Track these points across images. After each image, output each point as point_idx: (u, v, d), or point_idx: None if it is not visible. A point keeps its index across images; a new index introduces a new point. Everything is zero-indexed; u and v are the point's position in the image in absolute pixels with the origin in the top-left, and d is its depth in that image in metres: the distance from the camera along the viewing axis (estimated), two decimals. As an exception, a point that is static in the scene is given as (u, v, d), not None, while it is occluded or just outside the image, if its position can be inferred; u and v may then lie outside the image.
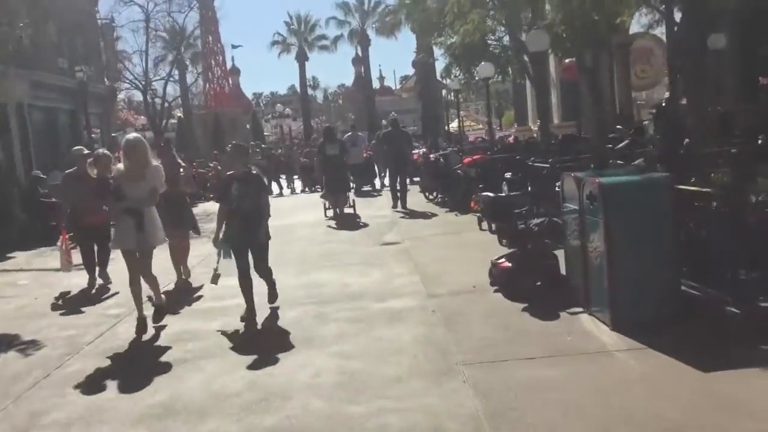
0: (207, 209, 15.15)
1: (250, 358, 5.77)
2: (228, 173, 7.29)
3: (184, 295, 8.43)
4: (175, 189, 8.56)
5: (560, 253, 6.98)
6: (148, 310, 7.05)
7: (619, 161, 8.67)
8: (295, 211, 16.59)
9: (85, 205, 8.85)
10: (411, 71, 54.58)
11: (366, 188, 20.95)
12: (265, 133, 56.62)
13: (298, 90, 60.29)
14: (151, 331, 6.83)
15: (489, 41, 19.58)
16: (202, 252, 9.68)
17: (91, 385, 5.56)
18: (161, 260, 8.89)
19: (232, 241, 6.94)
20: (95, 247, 9.27)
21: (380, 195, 19.41)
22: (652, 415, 4.13)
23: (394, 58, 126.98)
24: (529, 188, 10.30)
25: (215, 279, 7.12)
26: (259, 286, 7.23)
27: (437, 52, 26.49)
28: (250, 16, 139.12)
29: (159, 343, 6.56)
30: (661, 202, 5.68)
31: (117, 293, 8.74)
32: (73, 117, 24.59)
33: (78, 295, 9.05)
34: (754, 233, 5.61)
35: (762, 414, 4.08)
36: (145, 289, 7.10)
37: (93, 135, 24.41)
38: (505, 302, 6.76)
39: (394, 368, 5.26)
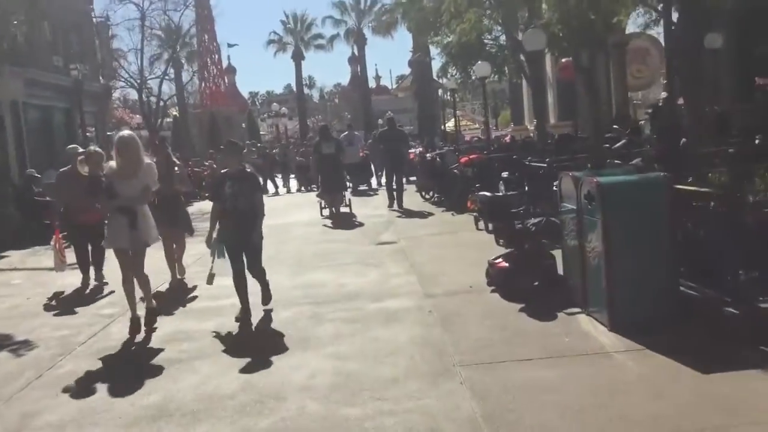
0: (202, 208, 15.06)
1: (244, 359, 5.71)
2: (222, 171, 7.23)
3: (178, 294, 8.37)
4: (169, 188, 8.51)
5: (557, 253, 6.95)
6: (142, 310, 6.98)
7: (616, 161, 8.64)
8: (290, 211, 16.55)
9: (79, 203, 8.78)
10: (407, 70, 54.56)
11: (362, 187, 20.91)
12: (261, 132, 56.61)
13: (294, 89, 60.20)
14: (144, 330, 6.76)
15: (485, 40, 19.53)
16: (198, 251, 9.60)
17: (84, 386, 5.49)
18: (156, 260, 8.84)
19: (227, 240, 6.86)
20: (89, 247, 9.19)
21: (376, 194, 19.36)
22: (651, 417, 4.10)
23: (390, 58, 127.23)
24: (526, 188, 10.27)
25: (210, 279, 7.05)
26: (254, 285, 7.17)
27: (434, 51, 26.45)
28: (246, 14, 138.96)
29: (153, 343, 6.49)
30: (660, 202, 5.65)
31: (110, 293, 8.67)
32: (68, 115, 24.50)
33: (71, 294, 8.99)
34: (753, 233, 5.57)
35: (761, 416, 4.05)
36: (139, 288, 7.04)
37: (88, 133, 24.28)
38: (502, 302, 6.72)
39: (391, 369, 5.21)
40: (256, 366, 5.53)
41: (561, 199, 6.59)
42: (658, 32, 19.92)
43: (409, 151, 19.41)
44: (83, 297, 8.77)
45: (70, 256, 9.61)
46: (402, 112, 42.96)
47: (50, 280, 9.80)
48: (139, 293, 6.90)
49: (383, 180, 18.08)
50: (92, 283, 9.22)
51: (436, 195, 16.03)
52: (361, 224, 13.35)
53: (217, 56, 48.88)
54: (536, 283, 6.83)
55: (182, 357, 5.97)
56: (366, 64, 53.22)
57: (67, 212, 9.34)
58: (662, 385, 4.51)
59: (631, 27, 19.23)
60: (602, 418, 4.15)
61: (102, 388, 5.39)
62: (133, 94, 40.78)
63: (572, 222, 6.24)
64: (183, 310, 7.64)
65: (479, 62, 18.99)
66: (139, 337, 6.66)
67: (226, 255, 6.89)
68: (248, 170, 7.19)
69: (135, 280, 6.82)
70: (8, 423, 4.90)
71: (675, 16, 10.06)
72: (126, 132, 7.28)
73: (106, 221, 7.14)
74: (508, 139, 24.90)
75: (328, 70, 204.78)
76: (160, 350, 6.21)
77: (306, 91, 67.10)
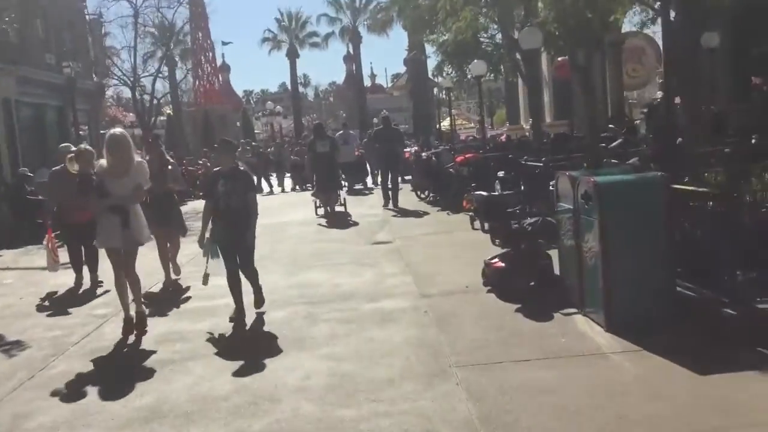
0: (196, 207, 14.99)
1: (238, 360, 5.67)
2: (215, 169, 7.16)
3: (172, 294, 8.32)
4: (162, 186, 8.44)
5: (554, 253, 6.92)
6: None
7: (613, 160, 8.62)
8: (285, 210, 16.50)
9: (71, 203, 8.70)
10: (402, 69, 54.52)
11: (358, 186, 20.87)
12: (255, 131, 56.43)
13: (289, 87, 60.05)
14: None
15: (481, 39, 19.49)
16: (191, 251, 9.54)
17: (77, 387, 5.45)
18: (150, 259, 8.79)
19: (220, 240, 6.79)
20: (82, 247, 9.11)
21: (371, 193, 19.33)
22: (648, 419, 4.08)
23: (385, 56, 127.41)
24: (522, 187, 10.24)
25: (205, 279, 6.97)
26: (249, 285, 7.11)
27: (429, 49, 26.37)
28: (241, 12, 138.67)
29: (146, 344, 6.44)
30: (657, 202, 5.62)
31: (104, 293, 8.62)
32: (61, 113, 24.36)
33: (64, 294, 8.93)
34: (750, 233, 5.55)
35: (759, 417, 4.03)
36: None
37: (81, 132, 24.17)
38: (498, 303, 6.69)
39: (386, 370, 5.18)
40: (251, 367, 5.49)
41: (558, 199, 6.56)
42: (654, 31, 19.93)
43: (405, 150, 19.37)
44: (76, 297, 8.71)
45: (64, 255, 9.53)
46: (397, 110, 42.94)
47: (43, 280, 9.73)
48: (131, 294, 6.83)
49: (378, 179, 18.03)
50: (86, 282, 9.15)
51: (431, 194, 15.99)
52: (356, 223, 13.31)
53: (211, 54, 48.70)
54: (532, 284, 6.81)
55: (175, 358, 5.92)
56: (361, 62, 53.27)
57: (59, 212, 9.27)
58: (659, 387, 4.49)
59: (627, 26, 19.20)
60: (599, 419, 4.12)
61: (95, 389, 5.34)
62: (127, 92, 40.56)
63: (569, 222, 6.22)
64: (176, 311, 7.60)
65: (475, 61, 18.95)
66: (133, 338, 6.61)
67: (220, 255, 6.82)
68: (241, 168, 7.11)
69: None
70: (0, 424, 4.84)
71: (672, 15, 10.03)
72: (117, 130, 7.20)
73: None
74: (503, 138, 24.85)
75: (323, 68, 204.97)
76: (154, 351, 6.17)
77: (301, 89, 66.91)
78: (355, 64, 53.41)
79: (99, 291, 8.84)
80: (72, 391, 5.35)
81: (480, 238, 9.84)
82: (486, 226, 9.61)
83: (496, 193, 9.85)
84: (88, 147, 8.64)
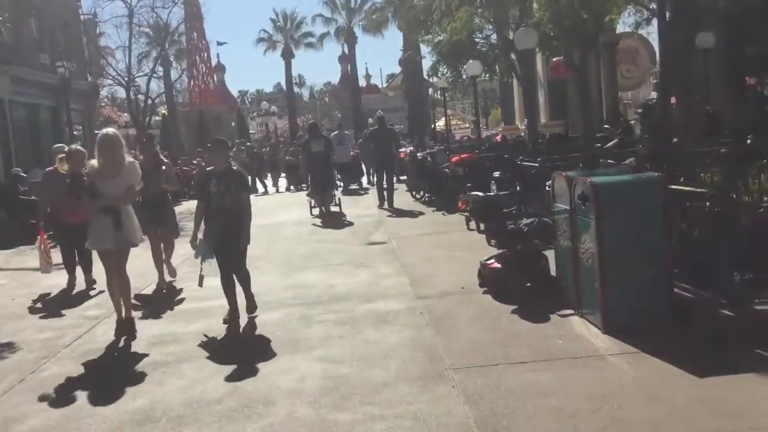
0: (191, 207, 14.87)
1: (232, 363, 5.60)
2: (207, 169, 7.09)
3: (165, 295, 8.25)
4: (157, 187, 8.38)
5: (550, 254, 6.88)
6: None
7: (609, 161, 8.58)
8: (280, 210, 16.44)
9: (64, 204, 8.62)
10: (397, 69, 54.56)
11: (353, 186, 20.83)
12: (250, 131, 56.39)
13: (284, 88, 60.01)
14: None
15: (476, 39, 19.51)
16: (185, 251, 9.46)
17: (68, 390, 5.38)
18: (144, 260, 8.73)
19: (213, 240, 6.71)
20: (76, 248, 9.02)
21: (367, 193, 19.27)
22: (646, 422, 4.04)
23: (380, 56, 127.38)
24: (518, 188, 10.20)
25: (201, 281, 6.87)
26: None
27: (424, 50, 26.38)
28: (236, 12, 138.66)
29: (139, 346, 6.36)
30: (654, 203, 5.58)
31: (98, 294, 8.54)
32: (55, 113, 24.27)
33: (57, 295, 8.84)
34: (747, 234, 5.52)
35: (758, 420, 3.99)
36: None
37: (75, 132, 24.09)
38: (494, 304, 6.64)
39: (382, 373, 5.12)
40: (244, 369, 5.42)
41: (554, 200, 6.52)
42: (648, 32, 19.94)
43: (400, 150, 19.34)
44: (69, 298, 8.63)
45: (57, 256, 9.44)
46: (392, 111, 42.89)
47: (36, 281, 9.65)
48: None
49: (374, 179, 17.99)
50: (79, 283, 9.06)
51: (426, 195, 15.96)
52: (351, 224, 13.26)
53: (206, 54, 48.70)
54: (529, 285, 6.77)
55: (168, 360, 5.85)
56: (356, 62, 53.25)
57: (52, 212, 9.18)
58: (657, 389, 4.45)
59: (621, 27, 19.21)
60: (597, 422, 4.08)
61: (86, 392, 5.28)
62: (121, 92, 40.56)
63: (565, 222, 6.17)
64: (170, 312, 7.52)
65: (470, 61, 18.96)
66: (125, 340, 6.53)
67: (213, 255, 6.73)
68: (235, 168, 7.04)
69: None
70: (-11, 429, 4.78)
71: (667, 15, 10.02)
72: (109, 130, 7.12)
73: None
74: (499, 138, 24.84)
75: (318, 68, 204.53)
76: (146, 353, 6.09)
77: (296, 89, 66.99)
78: (350, 65, 53.39)
79: (92, 292, 8.76)
80: (63, 395, 5.28)
81: (475, 239, 9.82)
82: (481, 226, 9.57)
83: (492, 194, 9.81)
84: (79, 147, 8.57)
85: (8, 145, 20.24)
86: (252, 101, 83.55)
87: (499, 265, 6.99)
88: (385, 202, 15.15)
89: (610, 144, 12.38)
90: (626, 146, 11.57)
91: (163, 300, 8.03)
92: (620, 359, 4.98)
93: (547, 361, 5.06)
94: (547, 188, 7.04)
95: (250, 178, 17.67)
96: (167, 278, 8.73)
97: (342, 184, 20.21)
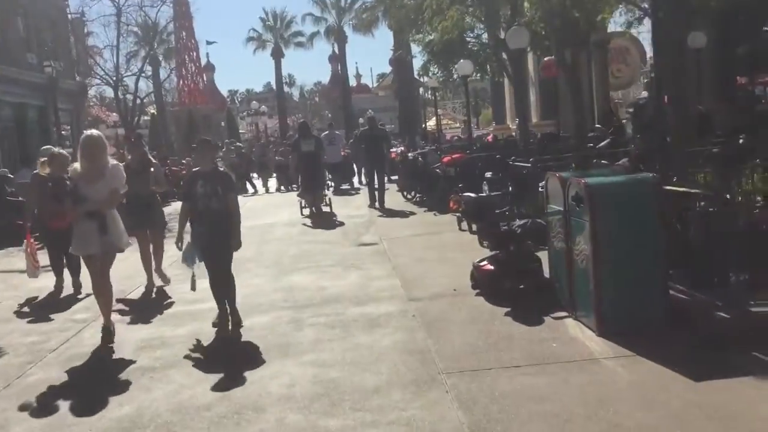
0: (180, 208, 14.79)
1: (221, 368, 5.51)
2: (193, 170, 6.97)
3: (154, 298, 8.13)
4: (145, 187, 8.26)
5: (544, 256, 6.81)
6: (115, 316, 6.75)
7: (603, 161, 8.54)
8: (270, 211, 16.33)
9: (50, 207, 8.47)
10: (388, 69, 54.44)
11: (344, 186, 20.75)
12: (240, 131, 56.21)
13: (274, 87, 59.84)
14: (117, 336, 6.51)
15: (467, 38, 19.46)
16: (174, 252, 9.33)
17: (54, 396, 5.27)
18: (132, 262, 8.62)
19: (200, 242, 6.56)
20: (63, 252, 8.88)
21: (358, 194, 19.19)
22: (642, 427, 3.99)
23: (371, 56, 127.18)
24: (510, 188, 10.14)
25: (193, 284, 6.72)
26: (239, 288, 6.89)
27: (415, 49, 26.27)
28: (225, 11, 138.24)
29: (126, 350, 6.23)
30: (649, 203, 5.53)
31: (85, 297, 8.39)
32: (43, 113, 24.07)
33: (45, 298, 8.70)
34: (743, 235, 5.48)
35: (754, 424, 3.96)
36: (115, 292, 6.79)
37: (63, 132, 23.91)
38: (487, 306, 6.56)
39: (373, 378, 5.04)
40: (234, 375, 5.32)
41: (547, 200, 6.46)
42: (639, 32, 19.96)
43: (391, 150, 19.27)
44: (57, 301, 8.49)
45: (44, 258, 9.30)
46: (382, 110, 42.83)
47: (22, 283, 9.50)
48: (115, 295, 6.63)
49: (365, 178, 17.91)
50: (67, 286, 8.92)
51: (417, 195, 15.90)
52: (342, 224, 13.17)
53: (195, 53, 48.40)
54: (522, 287, 6.68)
55: (156, 365, 5.75)
56: (346, 62, 53.10)
57: (39, 215, 9.04)
58: (653, 393, 4.40)
59: (612, 26, 19.23)
60: (592, 427, 4.03)
61: (72, 399, 5.17)
62: (109, 92, 40.28)
63: (559, 224, 6.11)
64: (159, 315, 7.40)
65: (461, 61, 18.90)
66: (107, 347, 6.37)
67: (201, 260, 6.60)
68: (221, 169, 6.92)
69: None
70: (-28, 437, 4.67)
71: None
72: (93, 132, 6.96)
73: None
74: (490, 138, 24.80)
75: (309, 68, 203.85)
76: (134, 358, 5.98)
77: (286, 89, 66.81)
78: (340, 64, 53.27)
79: (80, 295, 8.62)
80: (48, 401, 5.16)
81: (467, 240, 9.75)
82: (473, 227, 9.51)
83: (485, 195, 9.75)
84: (62, 151, 8.43)
85: (-5, 146, 20.07)
86: (242, 101, 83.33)
87: (492, 267, 6.92)
88: (376, 203, 15.07)
89: (602, 144, 12.35)
90: (618, 146, 11.55)
91: (151, 303, 7.92)
92: (615, 363, 4.92)
93: (542, 365, 4.99)
94: (540, 189, 6.97)
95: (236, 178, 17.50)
96: (157, 283, 8.55)
97: (333, 184, 20.12)
